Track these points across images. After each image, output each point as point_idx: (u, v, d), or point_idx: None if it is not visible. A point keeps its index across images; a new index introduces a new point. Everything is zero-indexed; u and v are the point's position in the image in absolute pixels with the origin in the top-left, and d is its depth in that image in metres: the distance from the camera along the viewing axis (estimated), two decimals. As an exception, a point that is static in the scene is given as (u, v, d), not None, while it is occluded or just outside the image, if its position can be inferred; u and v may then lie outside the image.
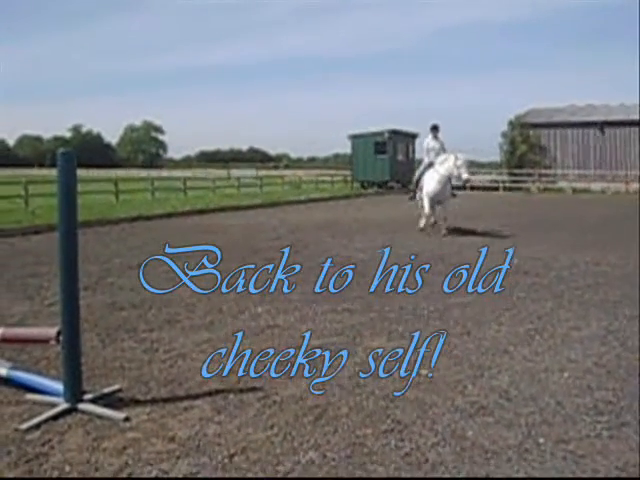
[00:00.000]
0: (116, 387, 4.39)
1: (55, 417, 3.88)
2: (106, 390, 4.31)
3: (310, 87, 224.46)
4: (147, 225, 15.72)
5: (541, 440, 3.58)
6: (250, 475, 3.19)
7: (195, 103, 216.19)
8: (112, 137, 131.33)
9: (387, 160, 34.67)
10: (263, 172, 56.59)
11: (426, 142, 14.67)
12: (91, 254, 10.24)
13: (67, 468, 3.27)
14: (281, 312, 6.61)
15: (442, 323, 6.16)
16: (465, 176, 13.61)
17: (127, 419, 3.86)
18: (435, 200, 13.82)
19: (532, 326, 6.07)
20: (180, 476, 3.18)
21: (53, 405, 4.02)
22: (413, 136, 37.66)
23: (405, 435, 3.66)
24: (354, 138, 36.57)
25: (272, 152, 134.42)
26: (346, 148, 38.87)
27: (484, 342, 5.54)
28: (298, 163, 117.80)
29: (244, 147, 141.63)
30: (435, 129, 14.48)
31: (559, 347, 5.40)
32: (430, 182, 13.73)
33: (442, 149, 14.24)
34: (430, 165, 14.12)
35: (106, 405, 4.05)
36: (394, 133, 35.48)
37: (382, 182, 35.39)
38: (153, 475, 3.19)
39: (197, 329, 5.97)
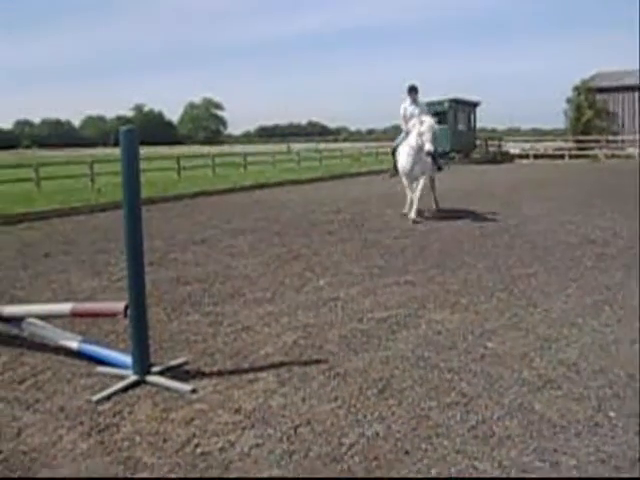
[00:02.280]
0: (183, 360, 4.48)
1: (125, 389, 3.98)
2: (173, 363, 4.40)
3: (367, 58, 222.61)
4: (209, 201, 15.91)
5: (612, 414, 3.48)
6: (315, 447, 3.21)
7: (253, 79, 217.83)
8: (173, 115, 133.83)
9: (447, 130, 33.85)
10: (322, 145, 56.48)
11: (403, 107, 11.84)
12: (155, 230, 10.43)
13: (137, 438, 3.36)
14: (343, 285, 6.60)
15: (507, 295, 6.05)
16: (428, 147, 10.76)
17: (194, 391, 3.94)
18: (411, 177, 11.46)
19: (601, 297, 5.90)
20: (245, 449, 3.22)
21: (122, 377, 4.12)
22: (475, 105, 36.84)
23: (471, 408, 3.61)
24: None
25: (331, 125, 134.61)
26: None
27: (551, 314, 5.42)
28: (357, 135, 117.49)
29: (303, 121, 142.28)
30: (413, 90, 11.73)
31: (630, 318, 5.22)
32: (402, 156, 11.48)
33: (424, 114, 11.53)
34: (408, 134, 11.61)
35: (173, 377, 4.14)
36: (454, 102, 34.68)
37: (442, 152, 34.70)
38: (219, 446, 3.24)
39: (260, 302, 6.03)
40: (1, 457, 3.19)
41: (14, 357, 4.68)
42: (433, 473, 2.94)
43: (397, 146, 11.96)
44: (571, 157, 35.09)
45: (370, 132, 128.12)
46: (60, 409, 3.75)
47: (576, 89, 41.11)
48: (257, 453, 3.17)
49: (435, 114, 33.91)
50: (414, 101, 11.76)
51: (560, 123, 44.21)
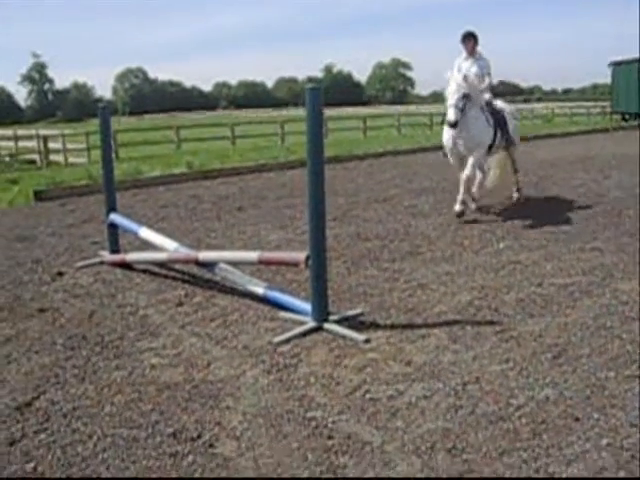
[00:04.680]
0: (359, 311, 4.66)
1: (303, 334, 4.24)
2: (349, 313, 4.60)
3: (564, 13, 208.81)
4: (393, 160, 15.99)
5: None
6: (482, 404, 3.23)
7: (443, 38, 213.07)
8: (361, 75, 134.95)
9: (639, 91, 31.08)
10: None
11: (456, 63, 8.54)
12: (340, 188, 10.74)
13: (312, 379, 3.58)
14: (525, 249, 6.43)
15: None
16: (450, 116, 7.57)
17: (367, 341, 4.09)
18: (455, 155, 8.22)
19: None
20: (412, 399, 3.32)
21: (302, 323, 4.38)
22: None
23: (652, 382, 3.43)
24: (615, 66, 33.39)
25: (524, 85, 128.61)
26: (606, 78, 35.71)
27: None
28: (551, 95, 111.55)
29: (494, 81, 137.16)
30: (470, 38, 8.41)
31: None
32: (445, 129, 8.23)
33: (484, 74, 8.39)
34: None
35: (349, 327, 4.33)
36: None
37: (631, 113, 31.94)
38: (388, 394, 3.37)
39: (438, 261, 6.05)
40: (193, 384, 3.56)
41: (207, 298, 5.13)
42: (603, 443, 2.85)
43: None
44: None
45: (566, 91, 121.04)
46: (244, 347, 4.08)
47: None
48: (424, 404, 3.26)
49: (624, 74, 31.05)
50: (471, 54, 8.45)
51: None
